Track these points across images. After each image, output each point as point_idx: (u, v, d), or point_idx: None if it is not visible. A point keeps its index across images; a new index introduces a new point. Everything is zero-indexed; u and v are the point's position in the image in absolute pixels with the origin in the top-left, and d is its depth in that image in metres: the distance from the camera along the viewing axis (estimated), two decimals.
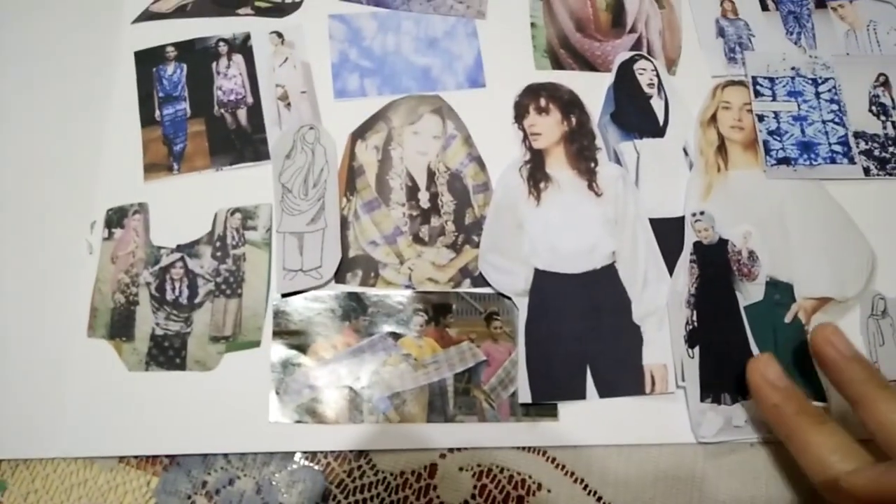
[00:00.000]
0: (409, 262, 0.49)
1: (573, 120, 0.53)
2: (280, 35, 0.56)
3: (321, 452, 0.44)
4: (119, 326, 0.47)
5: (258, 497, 0.43)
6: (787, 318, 0.47)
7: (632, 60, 0.56)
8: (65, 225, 0.50)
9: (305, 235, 0.49)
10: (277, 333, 0.47)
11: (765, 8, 0.58)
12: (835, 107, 0.54)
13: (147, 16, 0.58)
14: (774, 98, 0.54)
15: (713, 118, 0.53)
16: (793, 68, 0.55)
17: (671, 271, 0.48)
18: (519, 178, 0.51)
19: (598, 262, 0.49)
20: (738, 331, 0.47)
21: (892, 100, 0.54)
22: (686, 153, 0.52)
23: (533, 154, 0.52)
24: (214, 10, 0.58)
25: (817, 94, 0.54)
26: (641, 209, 0.50)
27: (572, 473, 0.44)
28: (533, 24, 0.57)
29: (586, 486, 0.44)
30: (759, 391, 0.42)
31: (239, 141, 0.53)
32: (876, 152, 0.52)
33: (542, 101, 0.54)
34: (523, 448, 0.45)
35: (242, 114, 0.54)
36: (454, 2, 0.58)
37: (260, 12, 0.58)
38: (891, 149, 0.52)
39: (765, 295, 0.47)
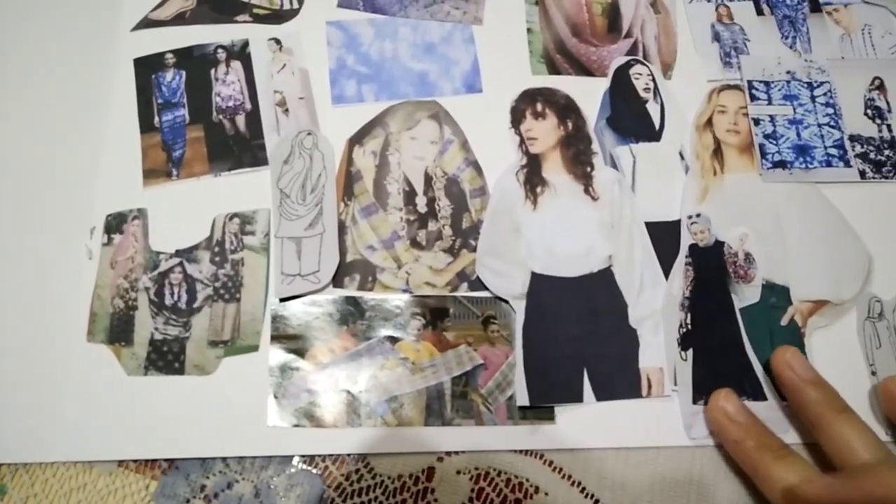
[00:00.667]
0: (407, 266, 0.49)
1: (569, 124, 0.53)
2: (278, 42, 0.57)
3: (319, 456, 0.45)
4: (118, 331, 0.47)
5: (256, 501, 0.44)
6: (784, 321, 0.47)
7: (628, 65, 0.56)
8: (64, 230, 0.51)
9: (303, 240, 0.49)
10: (276, 338, 0.47)
11: (760, 12, 0.58)
12: (830, 110, 0.54)
13: (146, 23, 0.58)
14: (770, 102, 0.54)
15: (709, 122, 0.54)
16: (788, 72, 0.55)
17: (667, 275, 0.48)
18: (516, 182, 0.51)
19: (594, 266, 0.49)
20: (733, 333, 0.47)
21: (888, 103, 0.54)
22: (682, 157, 0.53)
23: (529, 158, 0.52)
24: (213, 17, 0.58)
25: (813, 98, 0.54)
26: (637, 213, 0.50)
27: (570, 476, 0.44)
28: (529, 30, 0.58)
29: (584, 489, 0.44)
30: (720, 427, 0.43)
31: (237, 147, 0.53)
32: (871, 155, 0.52)
33: (539, 106, 0.54)
34: (521, 451, 0.45)
35: (241, 120, 0.54)
36: (451, 7, 0.58)
37: (258, 19, 0.58)
38: (886, 152, 0.53)
39: (761, 297, 0.48)
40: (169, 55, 0.56)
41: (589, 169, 0.52)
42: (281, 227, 0.50)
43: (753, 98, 0.54)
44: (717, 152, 0.52)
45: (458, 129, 0.54)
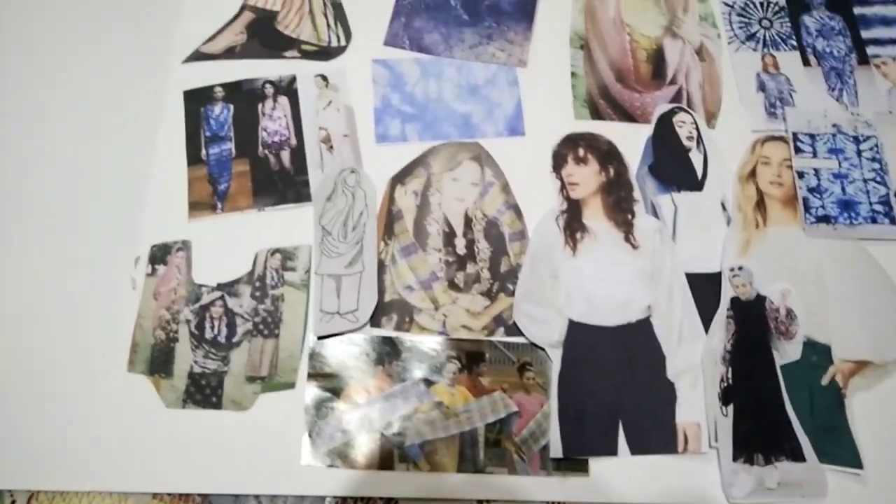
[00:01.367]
0: (444, 307, 0.50)
1: (611, 171, 0.53)
2: (325, 78, 0.58)
3: (351, 498, 0.45)
4: (158, 363, 0.48)
5: None
6: (824, 381, 0.46)
7: (671, 112, 0.56)
8: (110, 259, 0.51)
9: (343, 278, 0.50)
10: (312, 375, 0.47)
11: (806, 63, 0.58)
12: (876, 165, 0.53)
13: (197, 56, 0.59)
14: (815, 155, 0.54)
15: (752, 173, 0.53)
16: (834, 125, 0.55)
17: (707, 327, 0.48)
18: (556, 227, 0.51)
19: (633, 316, 0.48)
20: (773, 390, 0.46)
21: None
22: (724, 208, 0.52)
23: (570, 204, 0.52)
24: (262, 52, 0.59)
25: (858, 152, 0.54)
26: (678, 263, 0.50)
27: None
28: (573, 74, 0.58)
29: None
30: None
31: (282, 182, 0.54)
32: None
33: (581, 151, 0.54)
34: (554, 502, 0.44)
35: (286, 155, 0.55)
36: (496, 49, 0.59)
37: (306, 55, 0.59)
38: None
39: (802, 355, 0.47)
40: (218, 88, 0.58)
41: (630, 216, 0.52)
42: (322, 264, 0.50)
43: (798, 150, 0.54)
44: (760, 204, 0.52)
45: (499, 171, 0.54)
